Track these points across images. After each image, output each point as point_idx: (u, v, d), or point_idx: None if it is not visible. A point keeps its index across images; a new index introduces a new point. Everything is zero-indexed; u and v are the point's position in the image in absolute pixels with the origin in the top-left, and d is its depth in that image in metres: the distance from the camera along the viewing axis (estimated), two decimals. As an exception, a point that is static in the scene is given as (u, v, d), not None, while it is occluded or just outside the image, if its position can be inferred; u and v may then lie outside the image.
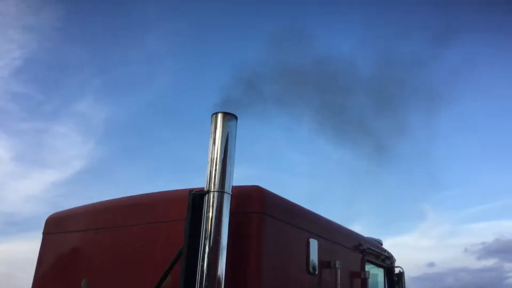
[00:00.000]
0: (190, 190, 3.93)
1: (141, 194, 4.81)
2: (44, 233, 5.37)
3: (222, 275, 3.57)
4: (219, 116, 4.03)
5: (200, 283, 3.51)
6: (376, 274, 5.94)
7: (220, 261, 3.59)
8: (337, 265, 4.77)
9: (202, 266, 3.56)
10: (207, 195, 3.78)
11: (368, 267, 5.56)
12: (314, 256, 4.48)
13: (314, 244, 4.52)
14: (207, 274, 3.52)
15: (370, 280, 5.43)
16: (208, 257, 3.57)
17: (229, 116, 4.05)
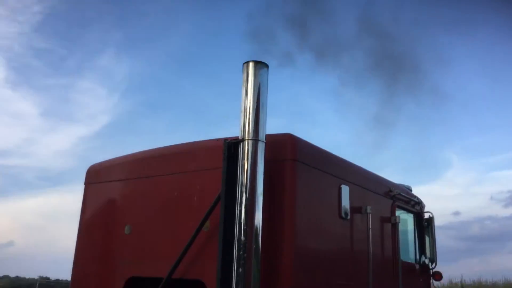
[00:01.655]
0: (225, 139, 4.05)
1: (178, 144, 4.97)
2: (86, 183, 5.63)
3: (259, 219, 3.73)
4: (251, 65, 4.06)
5: (238, 228, 3.68)
6: (406, 219, 6.07)
7: (257, 206, 3.74)
8: (368, 210, 4.89)
9: (240, 211, 3.72)
10: (241, 143, 3.89)
11: (398, 213, 5.67)
12: (346, 202, 4.61)
13: (345, 190, 4.63)
14: (244, 219, 3.69)
15: (400, 225, 5.55)
16: (245, 203, 3.72)
17: (260, 65, 4.08)
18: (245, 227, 3.67)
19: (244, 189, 3.76)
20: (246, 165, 3.81)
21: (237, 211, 3.75)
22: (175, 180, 4.69)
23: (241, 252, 3.62)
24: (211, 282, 3.95)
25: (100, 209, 5.40)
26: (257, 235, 3.69)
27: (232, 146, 3.97)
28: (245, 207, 3.72)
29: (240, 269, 3.59)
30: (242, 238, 3.65)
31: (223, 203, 3.91)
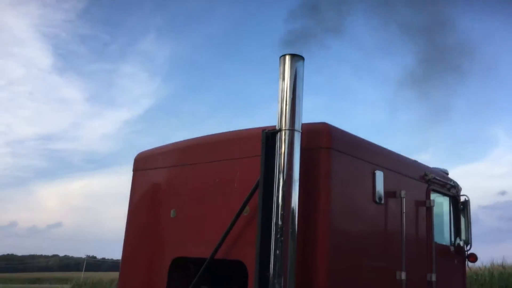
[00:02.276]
0: (263, 129, 4.29)
1: (219, 133, 5.26)
2: (134, 170, 6.01)
3: (295, 205, 3.97)
4: (287, 58, 4.27)
5: (276, 212, 3.94)
6: (441, 202, 6.17)
7: (293, 192, 3.98)
8: (402, 195, 5.05)
9: (278, 197, 3.97)
10: (279, 133, 4.12)
11: (433, 196, 5.79)
12: (380, 187, 4.78)
13: (379, 175, 4.80)
14: (282, 204, 3.94)
15: (435, 209, 5.68)
16: (282, 189, 3.97)
17: (296, 58, 4.28)
18: (282, 212, 3.93)
19: (281, 176, 4.01)
20: (283, 154, 4.05)
21: (274, 197, 4.00)
22: (217, 167, 4.98)
23: (278, 236, 3.88)
24: (250, 263, 4.24)
25: (147, 194, 5.77)
26: (293, 219, 3.94)
27: (270, 136, 4.21)
28: (282, 193, 3.97)
29: (278, 251, 3.86)
30: (279, 222, 3.91)
31: (262, 189, 4.16)
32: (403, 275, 4.89)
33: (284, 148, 4.06)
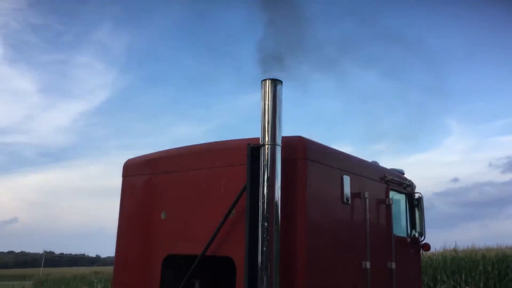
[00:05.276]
0: (248, 143, 4.96)
1: (207, 143, 5.90)
2: (123, 176, 6.56)
3: (278, 207, 4.69)
4: (267, 82, 4.96)
5: (262, 216, 4.65)
6: (398, 199, 7.03)
7: (276, 197, 4.69)
8: (366, 195, 5.86)
9: (263, 202, 4.67)
10: (262, 147, 4.82)
11: (392, 194, 6.63)
12: (347, 189, 5.55)
13: (347, 179, 5.57)
14: (267, 209, 4.64)
15: (393, 206, 6.53)
16: (267, 195, 4.68)
17: (276, 82, 4.97)
18: (267, 215, 4.64)
19: (265, 185, 4.71)
20: (267, 165, 4.75)
21: (260, 202, 4.70)
22: (205, 174, 5.62)
23: (264, 235, 4.59)
24: (238, 258, 4.94)
25: (138, 198, 6.34)
26: (277, 221, 4.66)
27: (254, 149, 4.89)
28: (267, 199, 4.68)
29: (265, 248, 4.57)
30: (265, 224, 4.62)
31: (248, 195, 4.85)
32: (368, 264, 5.70)
33: (267, 160, 4.76)
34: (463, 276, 16.53)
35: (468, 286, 15.96)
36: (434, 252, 19.93)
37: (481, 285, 16.04)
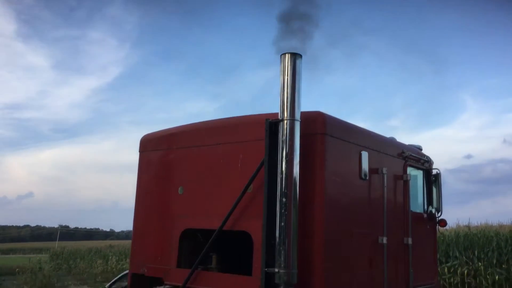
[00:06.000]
0: (267, 118, 4.92)
1: (224, 118, 5.87)
2: (140, 151, 6.58)
3: (296, 182, 4.67)
4: (287, 56, 4.88)
5: (280, 191, 4.63)
6: (416, 175, 6.98)
7: (294, 173, 4.67)
8: (384, 171, 5.81)
9: (281, 178, 4.66)
10: (281, 122, 4.77)
11: (409, 170, 6.58)
12: (365, 165, 5.51)
13: (365, 155, 5.53)
14: (285, 184, 4.63)
15: (411, 181, 6.49)
16: (285, 171, 4.66)
17: (295, 56, 4.89)
18: (285, 191, 4.62)
19: (284, 160, 4.69)
20: (285, 140, 4.72)
21: (278, 178, 4.68)
22: (222, 149, 5.61)
23: (282, 210, 4.59)
24: (255, 233, 4.96)
25: (155, 173, 6.37)
26: (295, 196, 4.65)
27: (273, 125, 4.85)
28: (285, 174, 4.66)
29: (282, 223, 4.57)
30: (283, 199, 4.61)
31: (267, 171, 4.83)
32: (385, 240, 5.70)
33: (286, 135, 4.72)
34: (476, 252, 16.53)
35: (481, 262, 15.95)
36: (447, 228, 19.90)
37: (494, 261, 16.03)
